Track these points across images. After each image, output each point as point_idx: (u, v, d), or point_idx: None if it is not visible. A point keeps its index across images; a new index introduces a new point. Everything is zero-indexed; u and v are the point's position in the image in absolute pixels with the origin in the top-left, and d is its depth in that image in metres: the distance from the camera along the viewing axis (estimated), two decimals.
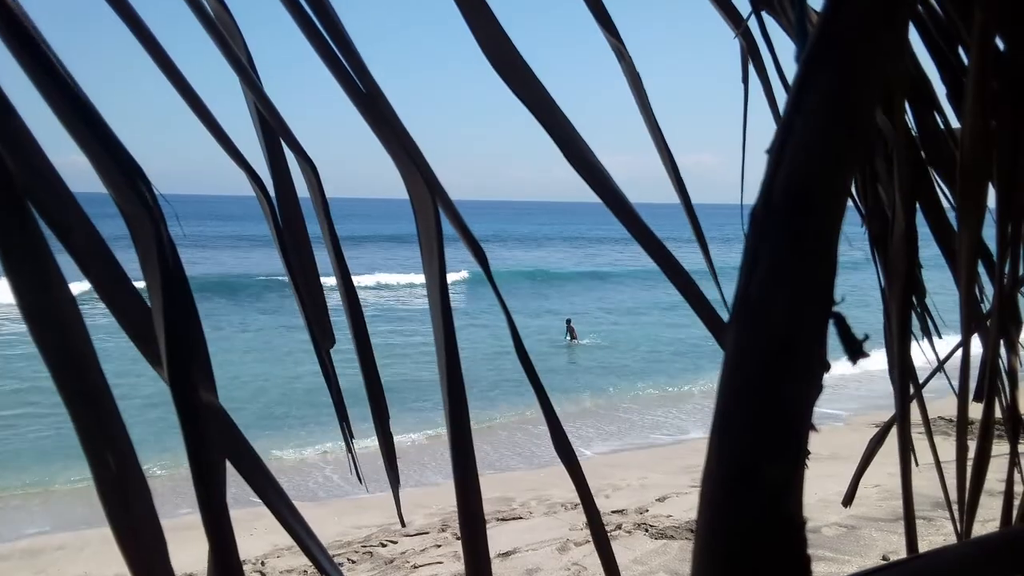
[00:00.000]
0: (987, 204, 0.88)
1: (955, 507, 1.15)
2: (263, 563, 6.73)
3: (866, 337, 0.46)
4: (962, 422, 0.99)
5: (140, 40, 0.72)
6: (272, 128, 0.78)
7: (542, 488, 8.37)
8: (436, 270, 0.71)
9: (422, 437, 11.29)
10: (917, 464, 1.38)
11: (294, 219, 0.85)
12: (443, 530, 7.37)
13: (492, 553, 6.51)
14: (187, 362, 0.60)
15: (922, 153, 1.08)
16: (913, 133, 1.09)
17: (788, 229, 0.45)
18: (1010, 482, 1.03)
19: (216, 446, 0.61)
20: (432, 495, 8.33)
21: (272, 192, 0.82)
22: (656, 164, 1.11)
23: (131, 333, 0.64)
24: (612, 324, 22.13)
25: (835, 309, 0.46)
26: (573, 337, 18.37)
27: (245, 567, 6.63)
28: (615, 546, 6.59)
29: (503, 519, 7.61)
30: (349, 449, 0.92)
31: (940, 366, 1.19)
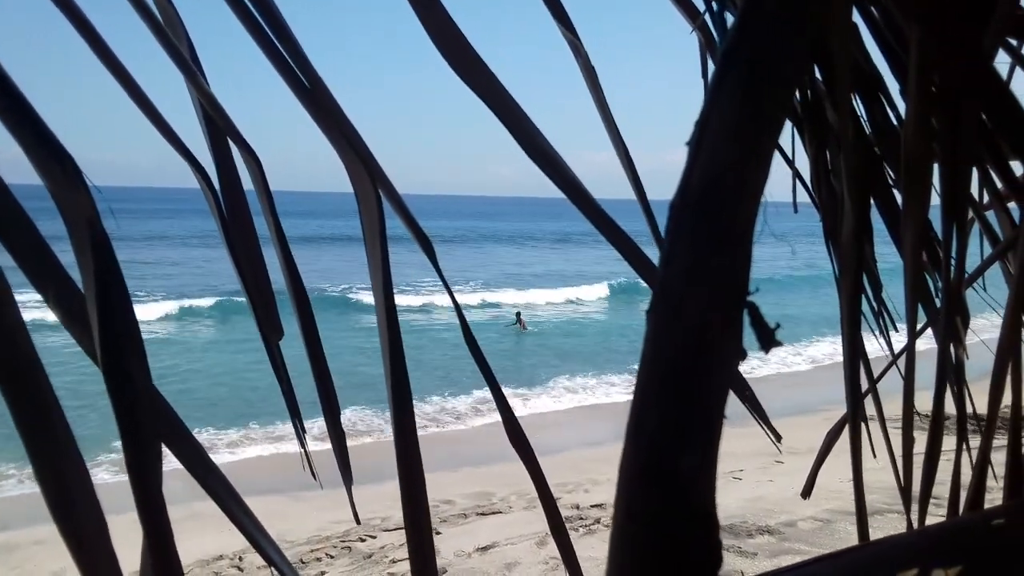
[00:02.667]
0: (932, 199, 0.89)
1: (915, 500, 1.17)
2: (240, 558, 6.71)
3: (777, 326, 0.47)
4: (908, 414, 1.00)
5: (82, 35, 0.71)
6: (216, 121, 0.78)
7: (523, 483, 8.37)
8: (379, 261, 0.71)
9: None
10: (875, 456, 1.39)
11: (241, 213, 0.85)
12: None
13: (471, 547, 6.55)
14: (121, 348, 0.60)
15: (876, 148, 1.09)
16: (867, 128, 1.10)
17: (703, 221, 0.46)
18: (957, 473, 1.04)
19: (152, 431, 0.61)
20: None
21: (218, 186, 0.82)
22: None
23: (64, 320, 0.64)
24: None
25: (749, 299, 0.46)
26: (522, 327, 20.72)
27: (223, 562, 6.61)
28: (594, 540, 6.63)
29: (483, 513, 7.62)
30: (302, 444, 0.92)
31: (893, 361, 1.20)
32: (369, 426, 11.68)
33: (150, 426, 0.60)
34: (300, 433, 0.92)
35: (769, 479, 7.99)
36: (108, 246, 0.60)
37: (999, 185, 1.07)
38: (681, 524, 0.45)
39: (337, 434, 0.86)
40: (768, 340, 0.47)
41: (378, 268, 0.71)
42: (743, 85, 0.46)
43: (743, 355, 0.47)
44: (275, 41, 0.71)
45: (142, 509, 0.59)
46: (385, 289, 0.71)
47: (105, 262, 0.59)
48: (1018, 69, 0.99)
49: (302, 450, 0.92)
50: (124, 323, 0.61)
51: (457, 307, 0.79)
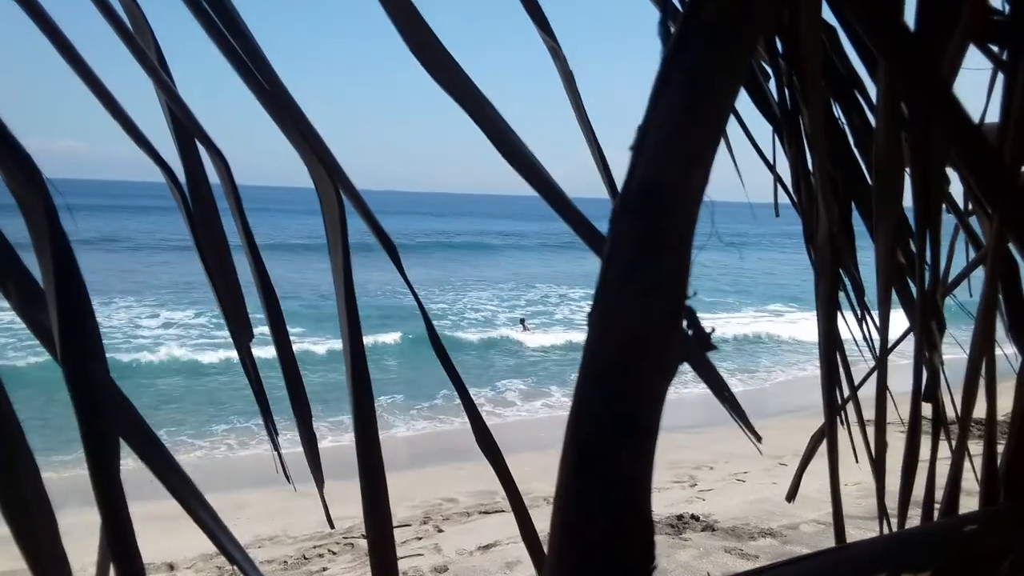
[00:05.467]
0: (904, 203, 0.89)
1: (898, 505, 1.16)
2: None
3: (712, 330, 0.47)
4: (880, 421, 1.00)
5: (49, 37, 0.71)
6: (183, 123, 0.78)
7: (526, 481, 8.37)
8: (340, 261, 0.71)
9: (411, 428, 11.38)
10: (857, 461, 1.39)
11: (209, 214, 0.85)
12: (425, 522, 7.38)
13: (473, 546, 6.55)
14: (81, 345, 0.60)
15: (855, 152, 1.09)
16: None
17: (641, 226, 0.46)
18: (931, 478, 1.04)
19: (111, 424, 0.61)
20: (416, 487, 8.34)
21: (185, 186, 0.82)
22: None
23: (25, 318, 0.64)
24: None
25: (687, 303, 0.46)
26: (525, 329, 20.94)
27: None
28: None
29: (486, 512, 7.63)
30: (275, 447, 0.92)
31: (875, 368, 1.20)
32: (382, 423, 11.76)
33: (110, 423, 0.60)
34: (272, 435, 0.92)
35: (772, 481, 7.96)
36: (67, 244, 0.60)
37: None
38: (613, 522, 0.45)
39: (308, 437, 0.86)
40: (704, 343, 0.48)
41: (340, 269, 0.71)
42: (682, 92, 0.46)
43: (681, 357, 0.47)
44: (236, 46, 0.71)
45: (102, 506, 0.60)
46: (347, 289, 0.71)
47: (65, 260, 0.59)
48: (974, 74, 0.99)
49: (275, 452, 0.93)
50: (84, 321, 0.62)
51: (423, 311, 0.79)
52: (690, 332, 0.47)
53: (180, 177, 0.82)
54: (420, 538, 6.94)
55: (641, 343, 0.46)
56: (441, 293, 27.46)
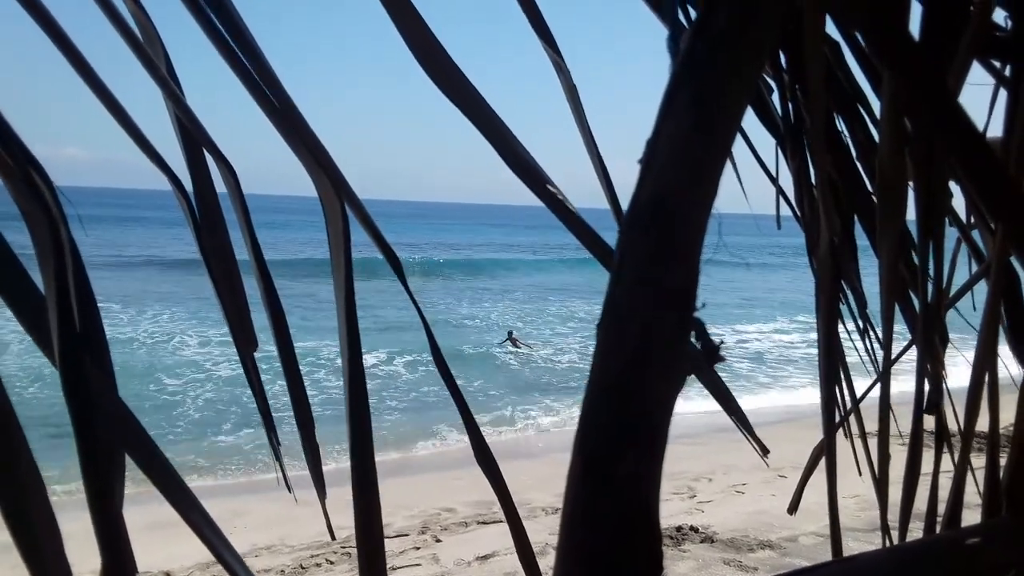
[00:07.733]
0: (907, 214, 0.89)
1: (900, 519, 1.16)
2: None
3: (721, 342, 0.48)
4: (884, 432, 1.00)
5: (59, 46, 0.71)
6: (192, 133, 0.78)
7: (523, 492, 8.35)
8: (343, 275, 0.71)
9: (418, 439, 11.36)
10: (860, 474, 1.39)
11: (215, 224, 0.85)
12: (423, 532, 7.35)
13: (471, 556, 6.52)
14: (80, 354, 0.59)
15: (858, 164, 1.09)
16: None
17: (649, 239, 0.46)
18: (934, 492, 1.04)
19: (110, 440, 0.61)
20: (414, 496, 8.32)
21: (192, 195, 0.82)
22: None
23: (26, 325, 0.64)
24: None
25: (695, 315, 0.47)
26: (515, 346, 19.16)
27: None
28: None
29: (483, 522, 7.60)
30: (277, 457, 0.92)
31: (876, 381, 1.20)
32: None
33: (110, 435, 0.60)
34: (275, 446, 0.92)
35: (772, 493, 7.94)
36: (73, 249, 0.60)
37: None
38: (620, 531, 0.45)
39: (311, 448, 0.86)
40: (712, 355, 0.48)
41: (341, 282, 0.72)
42: (690, 106, 0.47)
43: (689, 368, 0.47)
44: (243, 58, 0.72)
45: (97, 520, 0.59)
46: (347, 303, 0.71)
47: (66, 265, 0.59)
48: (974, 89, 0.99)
49: (276, 463, 0.92)
50: (87, 329, 0.61)
51: (427, 328, 0.79)
52: (698, 343, 0.47)
53: (187, 186, 0.82)
54: (418, 548, 6.92)
55: (648, 355, 0.46)
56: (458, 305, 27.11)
